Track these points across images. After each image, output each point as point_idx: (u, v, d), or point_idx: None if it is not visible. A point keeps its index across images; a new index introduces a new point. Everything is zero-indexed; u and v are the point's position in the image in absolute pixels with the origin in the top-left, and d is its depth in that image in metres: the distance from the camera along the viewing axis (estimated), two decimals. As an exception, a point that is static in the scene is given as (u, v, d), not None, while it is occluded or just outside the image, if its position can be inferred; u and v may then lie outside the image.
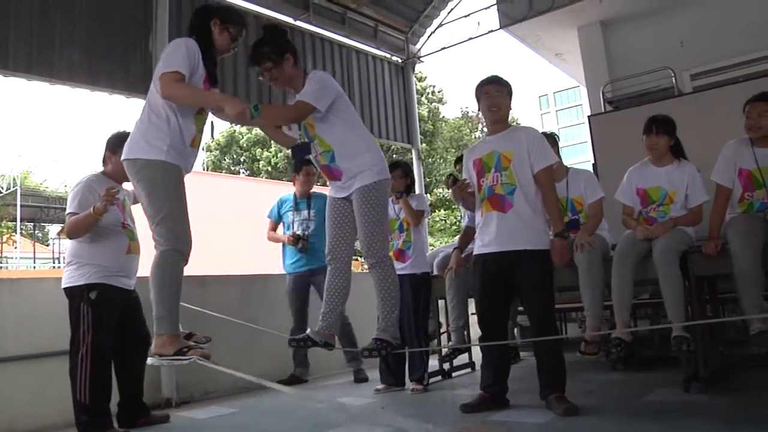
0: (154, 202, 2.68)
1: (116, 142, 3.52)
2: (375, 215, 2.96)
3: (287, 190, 5.45)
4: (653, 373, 4.39)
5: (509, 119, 3.64)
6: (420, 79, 32.26)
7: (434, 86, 34.02)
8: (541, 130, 3.72)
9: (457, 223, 24.28)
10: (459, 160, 4.86)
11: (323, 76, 3.07)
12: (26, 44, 4.34)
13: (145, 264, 3.71)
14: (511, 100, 3.52)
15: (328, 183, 3.15)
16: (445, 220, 26.37)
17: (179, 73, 2.66)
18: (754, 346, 3.28)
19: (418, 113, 8.64)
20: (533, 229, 3.34)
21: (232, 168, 33.15)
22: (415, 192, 4.74)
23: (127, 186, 3.69)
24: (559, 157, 4.08)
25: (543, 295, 3.36)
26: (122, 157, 2.76)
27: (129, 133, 3.54)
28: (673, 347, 3.23)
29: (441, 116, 34.02)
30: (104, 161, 3.66)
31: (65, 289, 3.44)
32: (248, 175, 31.64)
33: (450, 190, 3.54)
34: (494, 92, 3.46)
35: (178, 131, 2.73)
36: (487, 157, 3.46)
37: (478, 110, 3.60)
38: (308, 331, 3.04)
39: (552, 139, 4.08)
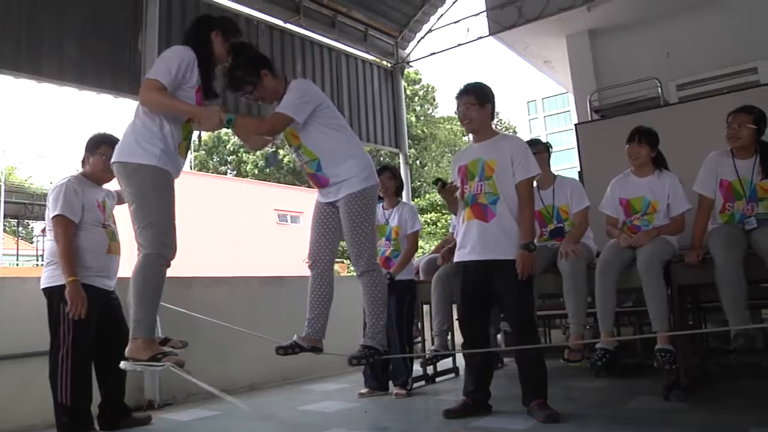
0: (143, 207, 2.67)
1: (94, 144, 3.58)
2: (363, 223, 2.96)
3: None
4: (635, 380, 4.43)
5: (496, 124, 3.65)
6: (415, 81, 32.30)
7: (427, 87, 33.95)
8: (532, 138, 3.73)
9: (446, 227, 24.35)
10: None
11: (303, 85, 3.03)
12: (14, 42, 4.30)
13: (125, 265, 3.71)
14: (487, 107, 3.43)
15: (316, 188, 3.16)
16: (435, 223, 26.42)
17: (159, 82, 2.68)
18: (734, 350, 3.34)
19: (407, 119, 8.67)
20: (513, 239, 3.32)
21: (219, 168, 33.02)
22: (402, 198, 4.76)
23: (109, 186, 3.69)
24: (549, 166, 4.12)
25: (523, 303, 3.36)
26: (113, 160, 2.76)
27: (106, 134, 3.60)
28: (656, 362, 3.27)
29: (433, 118, 34.01)
30: (83, 162, 3.65)
31: (44, 289, 3.41)
32: (235, 176, 31.55)
33: (440, 195, 3.54)
34: (465, 104, 3.42)
35: (170, 137, 2.75)
36: (472, 165, 3.46)
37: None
38: (294, 337, 3.04)
39: (545, 147, 4.14)
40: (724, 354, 5.00)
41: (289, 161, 29.91)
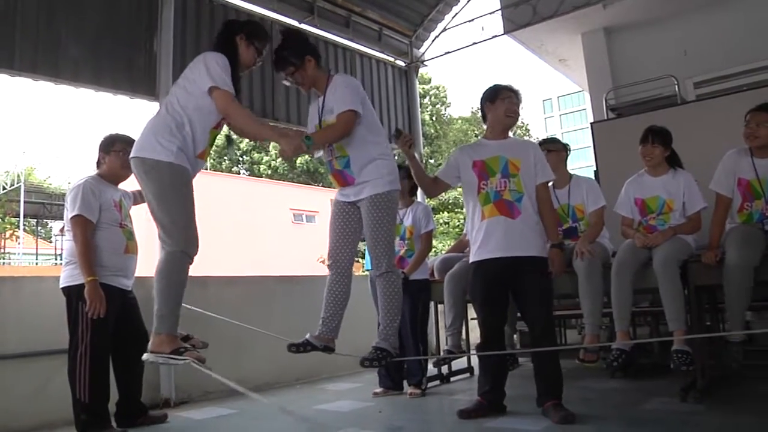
0: (163, 204, 2.69)
1: (109, 143, 3.64)
2: (385, 225, 2.96)
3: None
4: (651, 381, 4.39)
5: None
6: (425, 81, 32.30)
7: (438, 87, 33.94)
8: (551, 136, 3.74)
9: (460, 227, 24.30)
10: None
11: (353, 81, 3.07)
12: (31, 44, 4.35)
13: (142, 264, 3.74)
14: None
15: (336, 187, 3.15)
16: (447, 223, 26.36)
17: (233, 94, 2.76)
18: (732, 356, 3.35)
19: (421, 117, 8.64)
20: (538, 236, 3.36)
21: (232, 169, 33.11)
22: (417, 197, 4.75)
23: (125, 186, 3.73)
24: (566, 166, 4.11)
25: (545, 302, 3.38)
26: (131, 155, 2.77)
27: (119, 133, 3.66)
28: (673, 364, 3.24)
29: (447, 117, 34.01)
30: (98, 163, 3.69)
31: (63, 288, 3.46)
32: (249, 176, 31.65)
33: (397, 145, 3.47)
34: (515, 100, 3.47)
35: (190, 139, 2.77)
36: (492, 161, 3.43)
37: (485, 108, 3.56)
38: (307, 335, 3.05)
39: (563, 146, 4.14)
40: (744, 355, 4.93)
41: (301, 162, 30.03)
